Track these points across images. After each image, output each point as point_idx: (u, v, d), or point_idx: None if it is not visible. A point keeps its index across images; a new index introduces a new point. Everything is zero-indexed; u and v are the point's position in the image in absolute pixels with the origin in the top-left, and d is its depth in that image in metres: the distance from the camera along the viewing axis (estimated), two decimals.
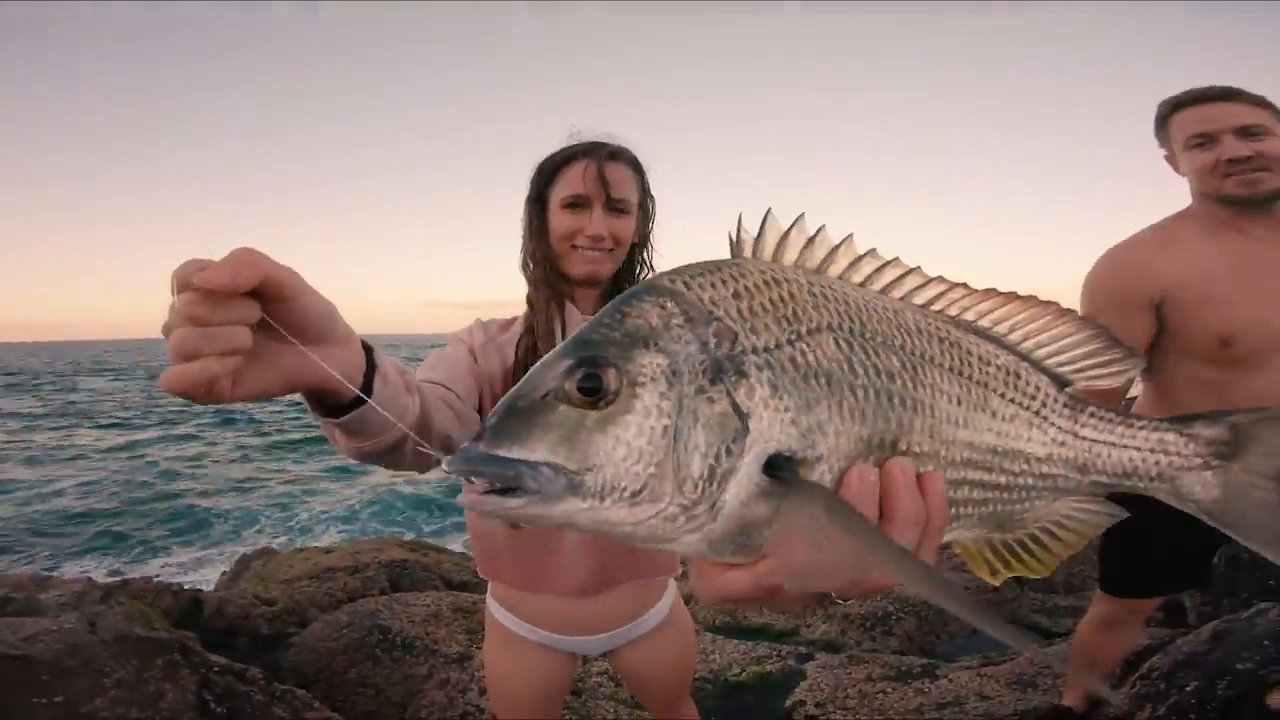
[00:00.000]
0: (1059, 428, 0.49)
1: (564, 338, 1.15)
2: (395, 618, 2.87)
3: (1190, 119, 1.42)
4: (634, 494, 0.36)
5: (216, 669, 2.12)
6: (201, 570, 6.84)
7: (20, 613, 2.71)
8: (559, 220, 1.17)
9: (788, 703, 2.54)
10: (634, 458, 0.36)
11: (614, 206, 1.16)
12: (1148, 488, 0.51)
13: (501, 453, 0.37)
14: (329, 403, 0.63)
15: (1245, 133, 1.36)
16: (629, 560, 1.24)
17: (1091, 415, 0.50)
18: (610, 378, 0.37)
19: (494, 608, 1.32)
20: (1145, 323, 1.46)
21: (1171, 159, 1.50)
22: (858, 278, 0.47)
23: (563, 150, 1.19)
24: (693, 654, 1.50)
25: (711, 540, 0.38)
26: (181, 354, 0.45)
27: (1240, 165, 1.35)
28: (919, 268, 0.48)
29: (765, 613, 3.38)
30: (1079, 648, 1.92)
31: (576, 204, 1.15)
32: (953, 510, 0.46)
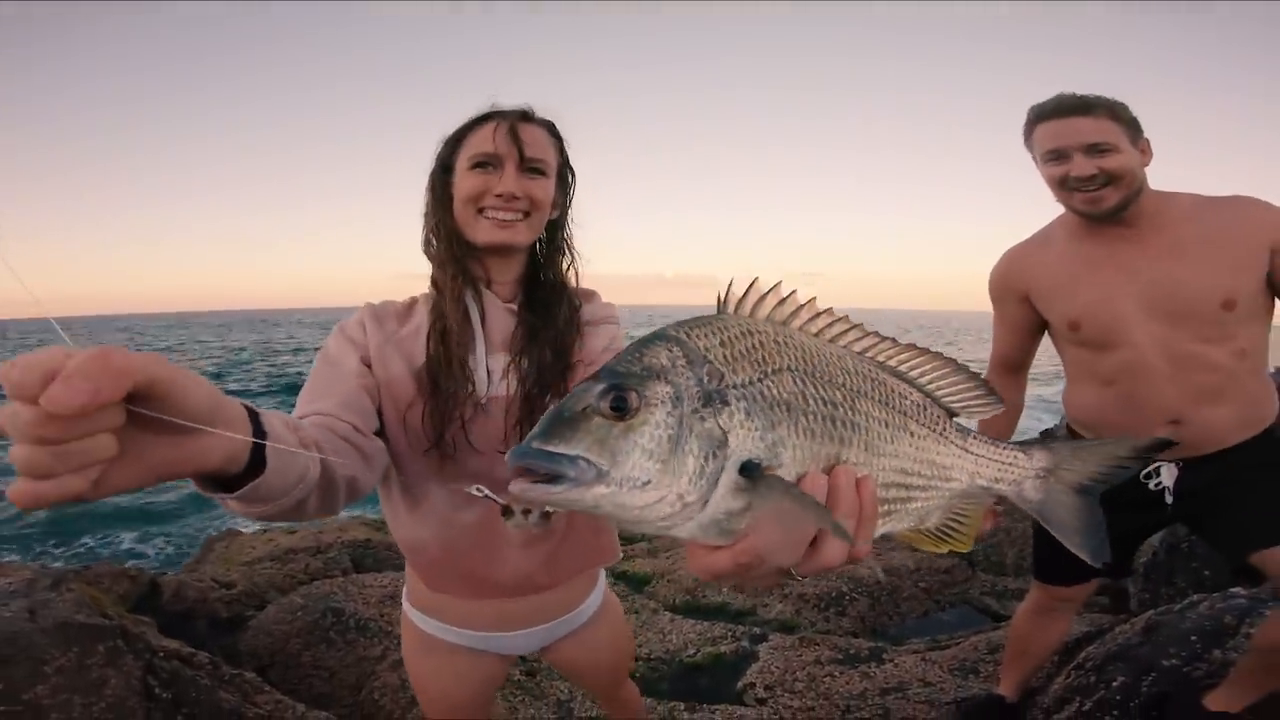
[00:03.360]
0: (956, 445, 0.65)
1: (484, 326, 1.07)
2: (350, 599, 2.87)
3: (1046, 134, 1.50)
4: (644, 483, 0.48)
5: (162, 654, 2.11)
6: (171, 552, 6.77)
7: None
8: (465, 182, 1.05)
9: (739, 684, 2.59)
10: (646, 456, 0.48)
11: (529, 166, 1.05)
12: (1005, 490, 0.68)
13: (550, 448, 0.48)
14: (219, 478, 0.58)
15: (1093, 150, 1.43)
16: (574, 554, 1.19)
17: (974, 438, 0.67)
18: (633, 399, 0.49)
19: (415, 615, 1.24)
20: (1022, 313, 1.71)
21: (1037, 165, 1.59)
22: (814, 329, 0.61)
23: (473, 117, 1.08)
24: (626, 639, 1.49)
25: (702, 525, 0.50)
26: (33, 473, 0.39)
27: (1085, 182, 1.44)
28: (861, 324, 0.62)
29: (723, 592, 3.43)
30: (1014, 635, 1.98)
31: (486, 163, 1.04)
32: (884, 507, 0.59)
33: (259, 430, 0.59)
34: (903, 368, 0.64)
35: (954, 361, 0.65)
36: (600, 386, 0.50)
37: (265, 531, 4.29)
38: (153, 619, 2.72)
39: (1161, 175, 1.51)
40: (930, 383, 0.65)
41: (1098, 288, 1.53)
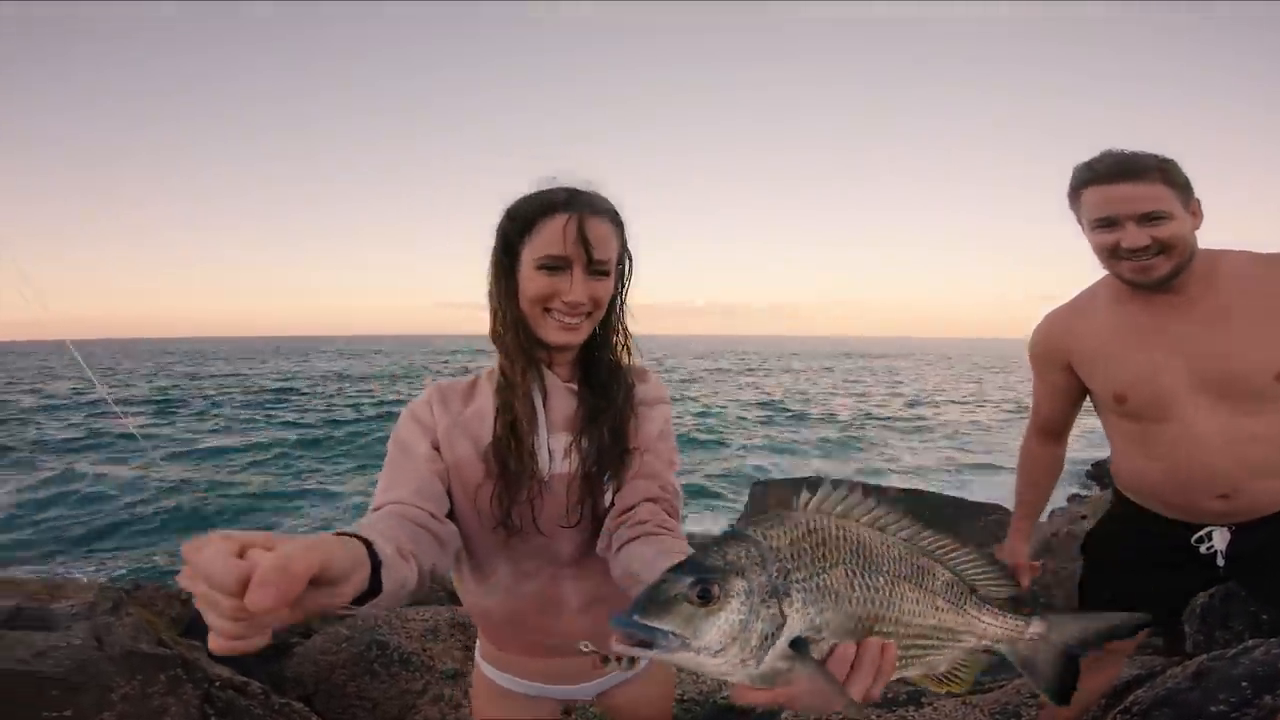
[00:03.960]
0: (971, 616, 0.79)
1: (546, 409, 1.14)
2: (394, 632, 2.95)
3: (1096, 200, 1.44)
4: (717, 651, 0.61)
5: (218, 683, 2.21)
6: None
7: (34, 620, 2.83)
8: (533, 282, 1.06)
9: None
10: (721, 634, 0.62)
11: (595, 269, 1.06)
12: (1003, 649, 0.83)
13: (648, 622, 0.62)
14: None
15: (1147, 219, 1.38)
16: None
17: (987, 610, 0.81)
18: (715, 591, 0.62)
19: (484, 666, 1.33)
20: (1064, 380, 1.68)
21: (1082, 229, 1.53)
22: (867, 519, 0.75)
23: (538, 197, 1.08)
24: (672, 690, 1.54)
25: (751, 677, 0.64)
26: (227, 636, 0.54)
27: (1137, 253, 1.39)
28: (908, 515, 0.77)
29: None
30: None
31: (554, 265, 1.05)
32: (905, 658, 0.73)
33: (375, 559, 0.72)
34: (939, 551, 0.79)
35: (980, 549, 0.82)
36: (690, 579, 0.64)
37: None
38: (202, 644, 2.84)
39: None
40: (958, 563, 0.80)
41: (1145, 360, 1.48)
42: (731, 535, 0.69)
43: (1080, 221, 1.52)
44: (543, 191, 1.09)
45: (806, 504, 0.74)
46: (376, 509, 1.00)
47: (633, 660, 0.97)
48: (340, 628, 3.07)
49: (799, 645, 0.64)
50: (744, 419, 24.60)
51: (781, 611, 0.64)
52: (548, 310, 1.08)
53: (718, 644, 0.61)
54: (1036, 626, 0.84)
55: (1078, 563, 1.84)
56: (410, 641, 2.93)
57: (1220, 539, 1.49)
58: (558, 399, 1.15)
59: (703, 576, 0.63)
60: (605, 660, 0.96)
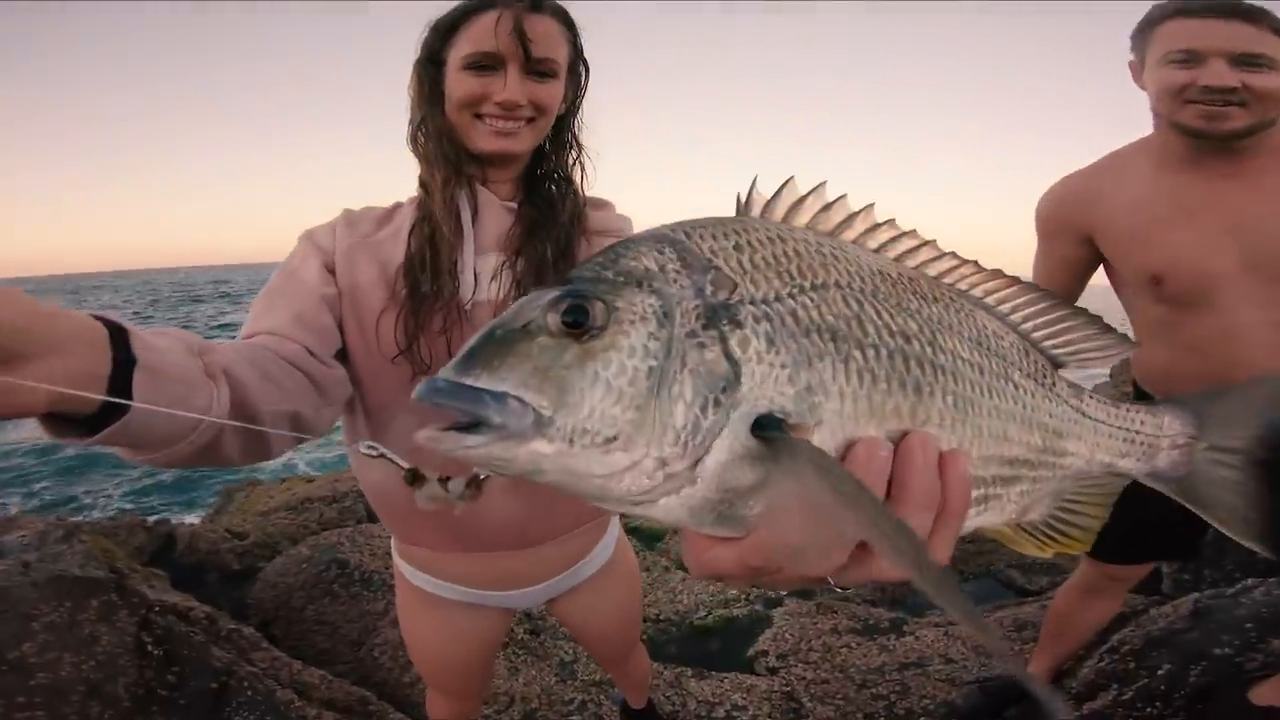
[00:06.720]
0: (1070, 405, 0.48)
1: (475, 224, 0.91)
2: (356, 550, 2.83)
3: (1181, 30, 1.21)
4: (608, 440, 0.32)
5: (158, 608, 2.07)
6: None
7: None
8: (460, 84, 0.90)
9: (750, 651, 2.50)
10: (612, 398, 0.32)
11: (536, 68, 0.90)
12: (1131, 469, 0.52)
13: (469, 381, 0.33)
14: (76, 418, 0.47)
15: (1241, 60, 1.16)
16: (570, 506, 1.03)
17: (1090, 397, 0.50)
18: (597, 311, 0.34)
19: (405, 569, 1.13)
20: (1077, 254, 1.43)
21: (1136, 69, 1.31)
22: (873, 244, 0.45)
23: (467, 1, 0.91)
24: (637, 600, 1.36)
25: (691, 507, 0.34)
26: None
27: (1214, 95, 1.17)
28: (934, 241, 0.46)
29: None
30: (1053, 614, 1.82)
31: (485, 64, 0.89)
32: (980, 491, 0.43)
33: (127, 358, 0.47)
34: (990, 300, 0.47)
35: (1055, 294, 0.49)
36: (553, 294, 0.35)
37: (284, 480, 4.29)
38: (167, 572, 2.72)
39: None
40: (1026, 323, 0.48)
41: (1192, 239, 1.27)
42: (636, 236, 0.40)
43: (1140, 61, 1.29)
44: None
45: (769, 204, 0.43)
46: (246, 339, 0.80)
47: (474, 484, 0.67)
48: (302, 548, 2.96)
49: (772, 429, 0.34)
50: None
51: (728, 355, 0.34)
52: (479, 116, 0.92)
53: (608, 420, 0.32)
54: (1177, 422, 0.52)
55: None
56: (374, 560, 2.81)
57: None
58: (491, 216, 0.95)
59: (574, 290, 0.35)
60: (414, 479, 0.65)
